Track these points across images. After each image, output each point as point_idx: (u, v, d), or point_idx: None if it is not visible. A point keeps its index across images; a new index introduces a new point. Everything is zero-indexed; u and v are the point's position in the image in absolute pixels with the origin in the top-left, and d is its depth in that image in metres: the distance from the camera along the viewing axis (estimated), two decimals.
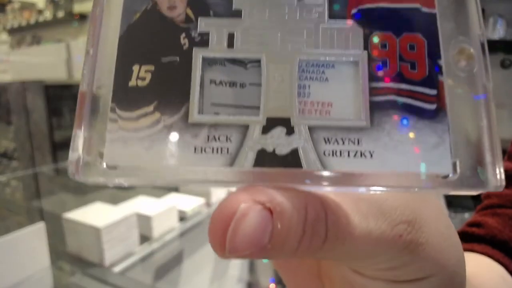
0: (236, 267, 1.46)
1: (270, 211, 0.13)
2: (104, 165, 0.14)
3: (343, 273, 0.17)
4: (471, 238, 0.37)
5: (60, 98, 2.29)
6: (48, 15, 3.12)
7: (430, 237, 0.15)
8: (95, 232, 0.95)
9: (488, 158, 0.14)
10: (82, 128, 0.14)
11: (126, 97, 0.14)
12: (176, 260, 1.21)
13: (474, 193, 0.14)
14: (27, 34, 3.46)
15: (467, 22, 0.15)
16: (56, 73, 2.48)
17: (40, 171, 1.88)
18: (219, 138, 0.14)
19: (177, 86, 0.15)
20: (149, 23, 0.15)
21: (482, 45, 0.15)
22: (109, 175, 0.14)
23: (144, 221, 1.11)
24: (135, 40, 0.15)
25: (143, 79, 0.15)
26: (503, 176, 0.14)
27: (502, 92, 1.74)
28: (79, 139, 0.14)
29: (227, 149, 0.14)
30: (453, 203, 1.56)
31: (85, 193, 1.49)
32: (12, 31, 3.59)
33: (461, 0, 0.16)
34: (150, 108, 0.14)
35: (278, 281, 1.34)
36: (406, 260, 0.15)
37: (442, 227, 0.16)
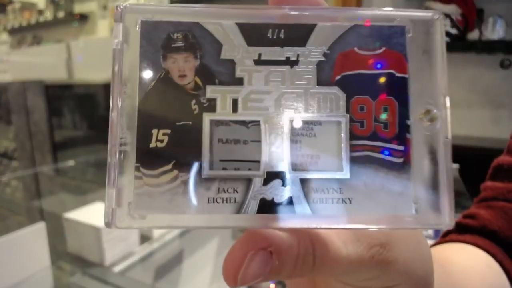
0: None
1: (271, 252, 0.17)
2: (134, 215, 0.17)
3: (331, 282, 0.21)
4: (464, 229, 0.40)
5: (60, 98, 2.29)
6: (48, 15, 3.12)
7: (399, 255, 0.19)
8: (96, 232, 0.94)
9: (443, 202, 0.17)
10: (114, 186, 0.17)
11: (148, 157, 0.17)
12: (176, 260, 1.21)
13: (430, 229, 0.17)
14: (28, 34, 3.45)
15: (434, 84, 0.18)
16: (56, 73, 2.48)
17: (40, 171, 1.89)
18: (227, 190, 0.17)
19: (191, 146, 0.17)
20: (163, 91, 0.18)
21: (445, 105, 0.18)
22: (139, 223, 0.17)
23: None
24: (152, 107, 0.18)
25: (162, 141, 0.17)
26: (453, 217, 0.17)
27: (501, 92, 1.72)
28: (112, 196, 0.17)
29: (234, 199, 0.17)
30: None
31: (85, 193, 1.49)
32: (12, 31, 3.58)
33: (430, 64, 0.18)
34: (169, 166, 0.17)
35: (278, 281, 1.35)
36: (378, 274, 0.19)
37: (413, 243, 0.20)
